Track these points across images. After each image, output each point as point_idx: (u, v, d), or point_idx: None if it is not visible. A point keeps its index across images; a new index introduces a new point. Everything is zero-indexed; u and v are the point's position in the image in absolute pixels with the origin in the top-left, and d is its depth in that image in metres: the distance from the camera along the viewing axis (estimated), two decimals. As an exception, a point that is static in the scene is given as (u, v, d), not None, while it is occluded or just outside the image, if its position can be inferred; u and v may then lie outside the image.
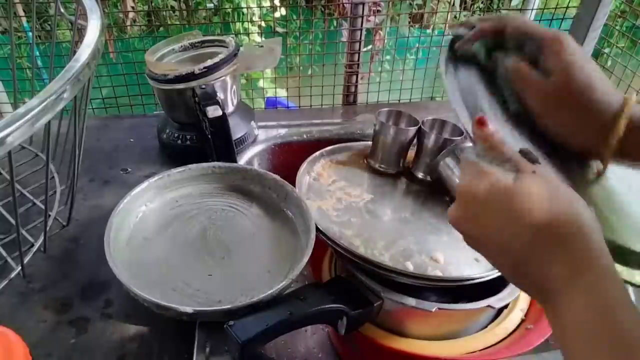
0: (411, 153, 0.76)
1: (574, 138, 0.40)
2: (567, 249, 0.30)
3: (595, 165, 0.41)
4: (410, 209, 0.68)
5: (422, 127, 0.71)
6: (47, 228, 0.59)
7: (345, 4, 1.24)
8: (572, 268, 0.30)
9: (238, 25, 1.46)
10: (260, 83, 1.24)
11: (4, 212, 0.65)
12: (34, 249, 0.60)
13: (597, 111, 0.37)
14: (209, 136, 0.71)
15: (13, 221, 0.55)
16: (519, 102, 0.43)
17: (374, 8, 1.22)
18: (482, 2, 2.15)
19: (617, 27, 0.99)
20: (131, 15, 1.73)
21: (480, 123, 0.37)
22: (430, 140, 0.70)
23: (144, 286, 0.49)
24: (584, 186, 0.41)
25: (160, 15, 1.44)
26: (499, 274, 0.58)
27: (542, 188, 0.32)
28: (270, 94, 1.17)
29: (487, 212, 0.33)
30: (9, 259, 0.58)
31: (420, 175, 0.74)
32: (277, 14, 1.59)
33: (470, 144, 0.43)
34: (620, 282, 0.29)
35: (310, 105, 1.00)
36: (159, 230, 0.60)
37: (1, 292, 0.55)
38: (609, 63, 0.97)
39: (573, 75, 0.38)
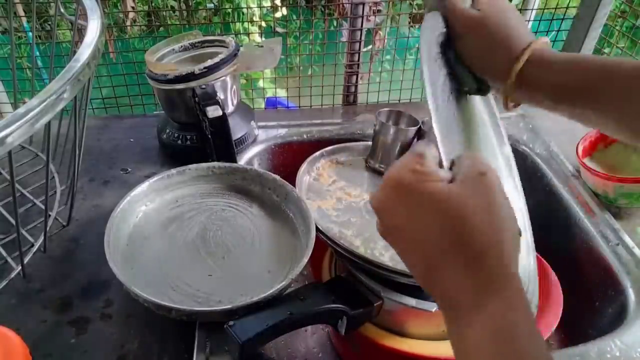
0: (411, 153, 0.76)
1: (487, 71, 0.44)
2: (483, 267, 0.29)
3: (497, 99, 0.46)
4: (410, 209, 0.68)
5: (422, 127, 0.71)
6: (47, 228, 0.59)
7: (345, 4, 1.24)
8: (483, 286, 0.29)
9: (238, 25, 1.46)
10: (260, 83, 1.24)
11: (4, 212, 0.65)
12: (34, 249, 0.60)
13: (509, 44, 0.42)
14: (209, 136, 0.71)
15: (13, 221, 0.55)
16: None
17: (374, 8, 1.22)
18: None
19: (617, 27, 0.99)
20: (131, 15, 1.73)
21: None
22: (430, 140, 0.70)
23: (144, 286, 0.49)
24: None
25: (160, 15, 1.44)
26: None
27: (481, 200, 0.30)
28: (270, 94, 1.17)
29: (415, 206, 0.31)
30: (9, 259, 0.58)
31: (420, 175, 0.74)
32: (277, 14, 1.59)
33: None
34: (527, 308, 0.29)
35: (310, 105, 1.00)
36: (159, 230, 0.60)
37: (1, 292, 0.55)
38: (609, 63, 0.97)
39: (497, 7, 0.43)
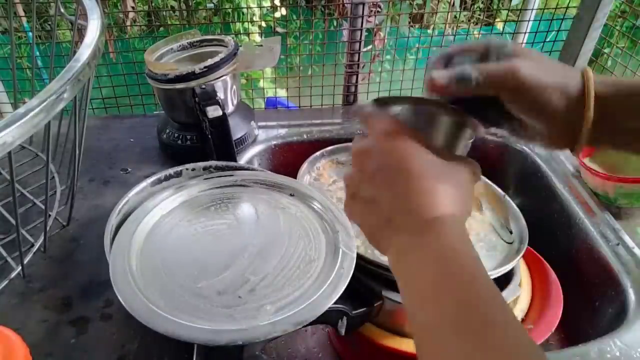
0: (411, 153, 0.75)
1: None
2: (419, 218, 0.30)
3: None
4: (410, 209, 0.67)
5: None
6: (47, 228, 0.59)
7: (345, 4, 1.24)
8: (422, 222, 0.30)
9: (238, 25, 1.46)
10: (260, 83, 1.24)
11: (4, 212, 0.65)
12: (34, 249, 0.60)
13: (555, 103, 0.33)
14: (209, 136, 0.71)
15: (13, 221, 0.55)
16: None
17: (374, 8, 1.22)
18: (482, 2, 2.15)
19: (617, 27, 0.99)
20: (131, 15, 1.73)
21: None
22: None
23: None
24: None
25: (160, 15, 1.44)
26: (500, 274, 0.58)
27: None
28: (270, 94, 1.17)
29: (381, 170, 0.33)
30: (9, 259, 0.58)
31: (420, 175, 0.74)
32: (277, 14, 1.59)
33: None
34: (466, 240, 0.30)
35: (310, 105, 1.00)
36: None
37: (1, 292, 0.55)
38: (609, 63, 0.97)
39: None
